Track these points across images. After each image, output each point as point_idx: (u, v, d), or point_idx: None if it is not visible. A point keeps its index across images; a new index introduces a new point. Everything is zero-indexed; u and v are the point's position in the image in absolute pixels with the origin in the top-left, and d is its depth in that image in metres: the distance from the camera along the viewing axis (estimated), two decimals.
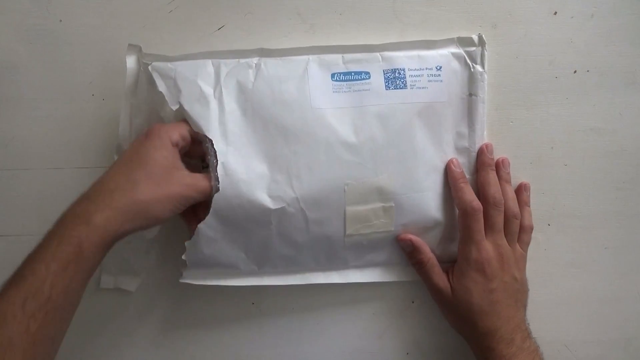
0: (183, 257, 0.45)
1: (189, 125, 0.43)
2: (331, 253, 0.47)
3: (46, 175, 0.50)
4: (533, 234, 0.49)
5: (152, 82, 0.44)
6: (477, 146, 0.48)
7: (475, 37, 0.46)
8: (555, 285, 0.51)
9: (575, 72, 0.50)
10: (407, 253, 0.47)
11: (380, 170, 0.45)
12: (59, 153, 0.50)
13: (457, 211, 0.46)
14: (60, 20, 0.48)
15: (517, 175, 0.50)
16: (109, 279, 0.49)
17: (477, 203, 0.45)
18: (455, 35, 0.48)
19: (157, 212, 0.38)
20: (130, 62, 0.45)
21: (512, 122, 0.50)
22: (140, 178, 0.38)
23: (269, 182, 0.43)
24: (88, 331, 0.50)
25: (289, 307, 0.51)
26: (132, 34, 0.49)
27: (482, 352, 0.45)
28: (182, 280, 0.46)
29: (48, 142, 0.49)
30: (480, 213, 0.45)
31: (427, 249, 0.47)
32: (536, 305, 0.51)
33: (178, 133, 0.42)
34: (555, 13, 0.49)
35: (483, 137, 0.48)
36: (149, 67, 0.44)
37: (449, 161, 0.47)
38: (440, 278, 0.46)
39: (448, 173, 0.47)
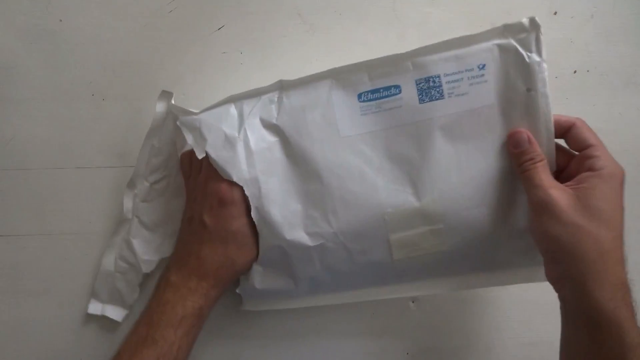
0: (237, 290, 0.46)
1: None
2: (381, 275, 0.44)
3: (46, 175, 0.50)
4: None
5: (176, 127, 0.44)
6: (545, 148, 0.40)
7: (525, 21, 0.39)
8: None
9: (575, 72, 0.50)
10: (519, 152, 0.39)
11: (422, 194, 0.41)
12: (59, 153, 0.50)
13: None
14: (60, 20, 0.49)
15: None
16: (98, 305, 0.49)
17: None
18: (455, 35, 0.48)
19: (248, 268, 0.44)
20: (160, 107, 0.45)
21: None
22: (236, 254, 0.43)
23: (305, 220, 0.42)
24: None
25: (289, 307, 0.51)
26: (132, 34, 0.49)
27: (609, 289, 0.35)
28: (243, 308, 0.47)
29: (48, 142, 0.49)
30: None
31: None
32: (536, 305, 0.51)
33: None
34: (555, 13, 0.49)
35: (550, 137, 0.40)
36: (177, 123, 0.43)
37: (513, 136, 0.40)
38: (551, 177, 0.38)
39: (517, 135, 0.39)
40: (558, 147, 0.40)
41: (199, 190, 0.44)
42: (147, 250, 0.48)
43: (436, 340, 0.51)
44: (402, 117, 0.41)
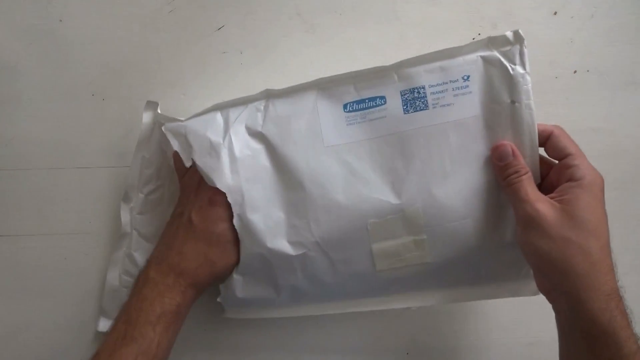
0: (218, 299, 0.45)
1: None
2: (365, 287, 0.44)
3: (46, 175, 0.50)
4: None
5: (164, 136, 0.44)
6: (528, 159, 0.40)
7: (509, 34, 0.39)
8: None
9: (575, 72, 0.50)
10: (504, 165, 0.39)
11: (407, 204, 0.41)
12: (59, 153, 0.50)
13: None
14: (60, 20, 0.48)
15: None
16: (107, 322, 0.49)
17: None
18: (454, 37, 0.48)
19: (227, 274, 0.44)
20: (147, 117, 0.46)
21: None
22: (217, 256, 0.42)
23: (287, 228, 0.42)
24: None
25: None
26: (132, 34, 0.49)
27: (601, 299, 0.35)
28: (225, 316, 0.47)
29: (48, 142, 0.49)
30: None
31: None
32: (537, 306, 0.51)
33: None
34: (555, 13, 0.49)
35: (534, 149, 0.40)
36: (162, 128, 0.44)
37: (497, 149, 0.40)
38: (536, 191, 0.38)
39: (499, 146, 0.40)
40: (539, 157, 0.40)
41: (192, 188, 0.44)
42: None
43: (436, 340, 0.51)
44: (387, 127, 0.41)
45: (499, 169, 0.39)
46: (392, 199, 0.41)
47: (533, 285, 0.41)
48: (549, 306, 0.52)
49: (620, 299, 0.35)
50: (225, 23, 0.49)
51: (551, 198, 0.37)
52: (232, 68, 0.49)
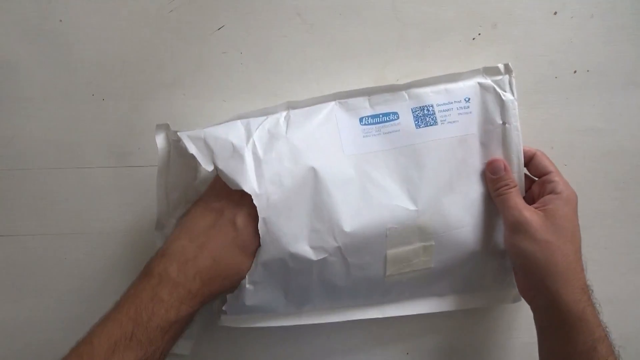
0: (224, 308, 0.44)
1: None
2: (370, 292, 0.46)
3: (46, 175, 0.50)
4: None
5: (182, 154, 0.43)
6: (515, 175, 0.45)
7: (501, 66, 0.45)
8: None
9: (575, 72, 0.50)
10: (496, 178, 0.44)
11: (421, 211, 0.43)
12: (59, 153, 0.50)
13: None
14: (60, 20, 0.48)
15: None
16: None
17: None
18: (454, 37, 0.48)
19: (237, 284, 0.42)
20: (160, 140, 0.44)
21: None
22: (241, 265, 0.41)
23: (310, 232, 0.42)
24: None
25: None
26: (132, 34, 0.49)
27: (576, 292, 0.41)
28: (220, 324, 0.45)
29: (48, 142, 0.49)
30: None
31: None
32: None
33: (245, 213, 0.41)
34: (555, 13, 0.49)
35: (520, 165, 0.45)
36: (178, 133, 0.43)
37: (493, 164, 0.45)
38: (522, 201, 0.44)
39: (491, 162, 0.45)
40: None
41: (239, 192, 0.41)
42: None
43: (436, 340, 0.51)
44: (400, 140, 0.44)
45: (491, 181, 0.45)
46: (410, 206, 0.43)
47: (514, 293, 0.48)
48: None
49: (590, 293, 0.41)
50: (225, 23, 0.49)
51: (535, 207, 0.43)
52: (232, 68, 0.49)
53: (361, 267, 0.43)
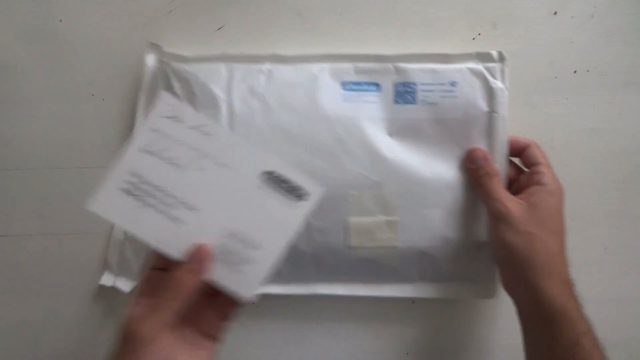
0: None
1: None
2: (336, 265, 0.46)
3: (46, 175, 0.50)
4: None
5: (169, 82, 0.45)
6: (498, 164, 0.45)
7: (494, 53, 0.45)
8: None
9: (575, 72, 0.50)
10: (476, 168, 0.44)
11: (386, 184, 0.45)
12: (59, 153, 0.50)
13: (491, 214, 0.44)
14: (60, 20, 0.48)
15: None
16: (110, 277, 0.49)
17: None
18: (454, 37, 0.48)
19: None
20: (150, 60, 0.47)
21: (512, 122, 0.50)
22: None
23: None
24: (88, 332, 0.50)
25: (289, 308, 0.51)
26: (132, 34, 0.49)
27: (558, 285, 0.40)
28: None
29: (48, 142, 0.49)
30: None
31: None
32: None
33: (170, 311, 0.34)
34: (555, 13, 0.49)
35: (504, 155, 0.45)
36: (167, 68, 0.45)
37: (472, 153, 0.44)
38: (504, 190, 0.43)
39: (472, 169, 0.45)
40: (510, 162, 0.46)
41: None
42: None
43: (436, 340, 0.51)
44: (377, 112, 0.45)
45: (471, 171, 0.44)
46: (373, 176, 0.45)
47: (492, 287, 0.47)
48: None
49: (573, 286, 0.40)
50: (225, 23, 0.49)
51: (519, 198, 0.42)
52: None
53: (322, 231, 0.45)
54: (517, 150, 0.45)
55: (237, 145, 0.36)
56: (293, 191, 0.36)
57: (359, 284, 0.48)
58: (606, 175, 0.51)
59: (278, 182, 0.36)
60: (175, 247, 0.35)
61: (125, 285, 0.49)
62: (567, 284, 0.40)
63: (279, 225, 0.36)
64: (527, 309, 0.41)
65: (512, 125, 0.50)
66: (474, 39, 0.49)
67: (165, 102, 0.35)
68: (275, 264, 0.36)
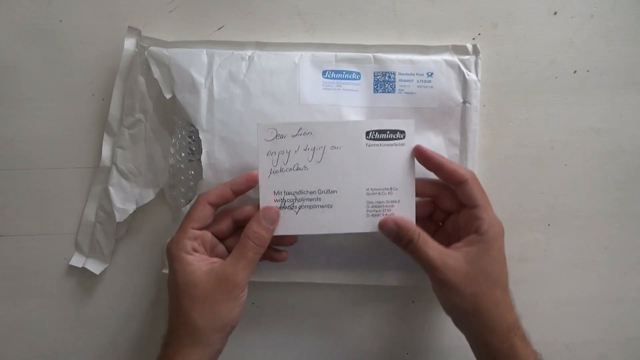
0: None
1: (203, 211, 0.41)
2: (312, 250, 0.47)
3: (46, 175, 0.50)
4: (533, 234, 0.50)
5: (147, 67, 0.46)
6: (469, 154, 0.47)
7: (469, 46, 0.47)
8: (555, 286, 0.51)
9: (575, 72, 0.50)
10: (394, 237, 0.42)
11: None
12: (59, 153, 0.50)
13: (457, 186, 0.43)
14: (60, 20, 0.48)
15: (517, 175, 0.50)
16: (80, 258, 0.50)
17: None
18: (454, 37, 0.48)
19: (229, 322, 0.41)
20: (129, 44, 0.47)
21: (512, 122, 0.50)
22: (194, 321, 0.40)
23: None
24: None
25: (289, 308, 0.51)
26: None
27: (503, 334, 0.40)
28: (165, 271, 0.46)
29: (48, 142, 0.49)
30: None
31: (413, 223, 0.42)
32: (536, 306, 0.51)
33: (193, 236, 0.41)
34: (555, 13, 0.49)
35: (475, 144, 0.47)
36: (145, 52, 0.46)
37: (419, 149, 0.42)
38: (438, 250, 0.41)
39: (427, 159, 0.42)
40: (448, 188, 0.44)
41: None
42: (123, 199, 0.48)
43: (436, 340, 0.51)
44: (356, 100, 0.47)
45: (393, 241, 0.42)
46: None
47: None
48: (548, 306, 0.52)
49: (519, 327, 0.41)
50: (225, 23, 0.49)
51: (457, 247, 0.41)
52: None
53: None
54: (454, 182, 0.42)
55: (335, 126, 0.42)
56: (394, 134, 0.42)
57: (332, 271, 0.48)
58: (606, 175, 0.51)
59: (380, 134, 0.42)
60: (343, 224, 0.42)
61: (94, 266, 0.49)
62: (512, 328, 0.41)
63: (398, 164, 0.42)
64: (474, 347, 0.43)
65: (513, 125, 0.50)
66: (474, 39, 0.49)
67: (264, 130, 0.41)
68: (414, 194, 0.42)
